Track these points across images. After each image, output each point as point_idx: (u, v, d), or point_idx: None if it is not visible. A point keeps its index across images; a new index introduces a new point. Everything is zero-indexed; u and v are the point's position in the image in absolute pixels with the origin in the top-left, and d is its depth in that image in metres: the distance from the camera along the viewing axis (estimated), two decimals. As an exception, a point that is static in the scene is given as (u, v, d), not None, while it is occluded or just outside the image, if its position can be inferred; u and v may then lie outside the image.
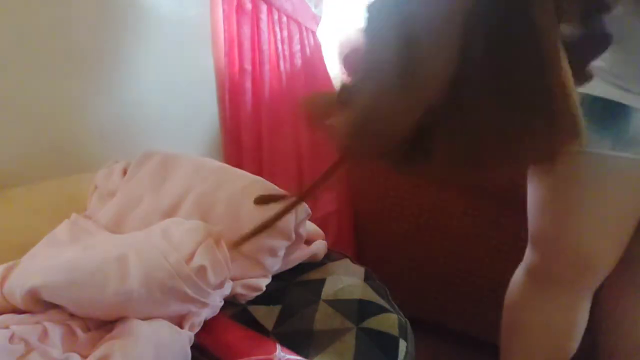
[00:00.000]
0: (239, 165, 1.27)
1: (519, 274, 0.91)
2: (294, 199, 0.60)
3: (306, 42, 1.37)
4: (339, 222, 1.47)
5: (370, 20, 0.51)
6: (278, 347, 0.62)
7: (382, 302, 0.76)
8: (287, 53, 1.33)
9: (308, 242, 0.86)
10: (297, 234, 0.77)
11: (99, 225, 0.83)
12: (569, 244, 0.80)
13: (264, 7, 1.26)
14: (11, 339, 0.56)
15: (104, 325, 0.62)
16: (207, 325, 0.65)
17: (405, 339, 0.71)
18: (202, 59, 1.27)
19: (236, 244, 0.68)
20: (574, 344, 0.89)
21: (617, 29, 0.50)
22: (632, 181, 0.72)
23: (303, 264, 0.83)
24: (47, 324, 0.60)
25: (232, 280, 0.73)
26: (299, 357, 0.61)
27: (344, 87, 0.55)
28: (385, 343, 0.69)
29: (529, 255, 0.89)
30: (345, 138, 0.54)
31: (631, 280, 0.88)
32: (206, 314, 0.65)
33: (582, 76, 0.48)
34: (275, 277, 0.78)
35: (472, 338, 1.30)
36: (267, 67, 1.30)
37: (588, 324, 0.91)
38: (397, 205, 1.33)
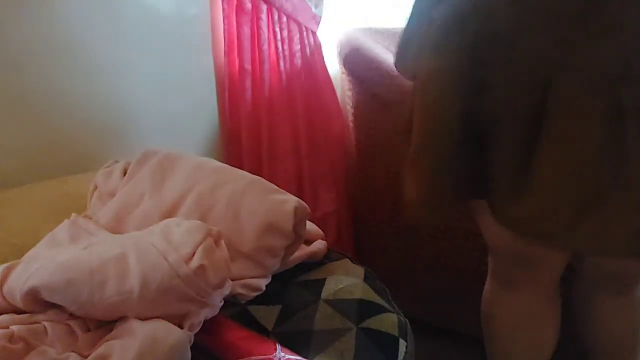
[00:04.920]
0: (239, 165, 1.27)
1: (487, 277, 0.95)
2: None
3: (306, 42, 1.37)
4: (339, 222, 1.47)
5: None
6: (278, 347, 0.62)
7: (382, 302, 0.76)
8: (287, 53, 1.33)
9: (308, 242, 0.86)
10: (297, 234, 0.77)
11: (98, 225, 0.83)
12: (499, 243, 0.84)
13: (264, 7, 1.26)
14: (11, 339, 0.56)
15: (104, 325, 0.62)
16: (207, 325, 0.65)
17: (405, 339, 0.71)
18: (202, 58, 1.27)
19: None
20: (548, 339, 0.91)
21: None
22: None
23: (303, 264, 0.83)
24: (47, 324, 0.60)
25: (232, 280, 0.73)
26: (299, 357, 0.61)
27: None
28: (385, 343, 0.69)
29: (489, 258, 0.93)
30: None
31: (601, 284, 0.90)
32: (206, 314, 0.65)
33: None
34: (275, 277, 0.78)
35: (472, 338, 1.30)
36: (267, 66, 1.30)
37: (576, 329, 0.93)
38: (397, 205, 1.33)
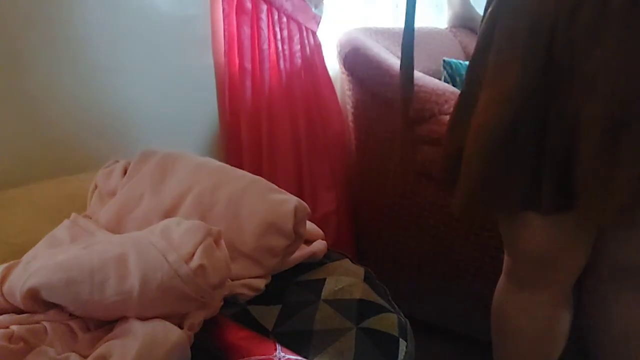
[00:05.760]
0: (239, 164, 1.27)
1: (501, 277, 0.95)
2: None
3: (306, 42, 1.37)
4: (339, 222, 1.47)
5: None
6: (278, 347, 0.62)
7: (382, 302, 0.76)
8: (287, 53, 1.34)
9: (308, 242, 0.86)
10: (297, 234, 0.77)
11: (98, 225, 0.83)
12: (526, 247, 0.83)
13: (264, 7, 1.26)
14: (11, 339, 0.56)
15: (104, 325, 0.62)
16: (207, 325, 0.65)
17: (405, 339, 0.71)
18: (202, 58, 1.27)
19: None
20: (560, 342, 0.91)
21: None
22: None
23: (303, 264, 0.83)
24: (47, 324, 0.60)
25: (232, 280, 0.73)
26: (299, 357, 0.61)
27: None
28: (385, 343, 0.69)
29: (505, 258, 0.92)
30: None
31: (616, 278, 0.90)
32: (206, 314, 0.65)
33: None
34: (275, 277, 0.78)
35: (472, 338, 1.31)
36: (267, 66, 1.30)
37: (577, 325, 0.93)
38: (397, 205, 1.33)
